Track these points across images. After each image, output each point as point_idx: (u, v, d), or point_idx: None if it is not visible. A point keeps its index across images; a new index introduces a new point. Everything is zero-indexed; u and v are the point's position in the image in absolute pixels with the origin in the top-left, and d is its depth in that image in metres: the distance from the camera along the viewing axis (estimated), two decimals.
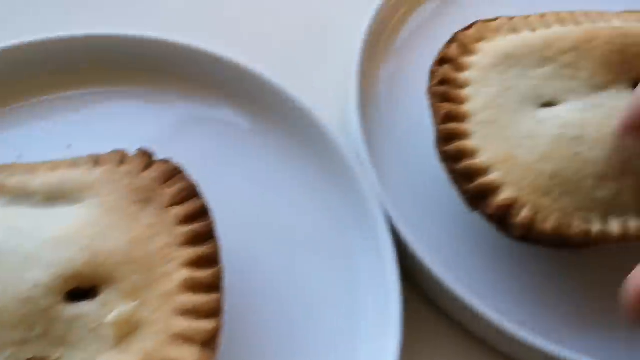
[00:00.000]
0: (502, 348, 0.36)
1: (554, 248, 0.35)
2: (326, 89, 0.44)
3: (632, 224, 0.36)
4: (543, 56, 0.39)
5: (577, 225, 0.35)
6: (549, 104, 0.38)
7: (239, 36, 0.47)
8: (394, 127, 0.43)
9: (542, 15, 0.42)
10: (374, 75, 0.45)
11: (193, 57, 0.40)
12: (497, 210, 0.35)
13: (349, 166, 0.39)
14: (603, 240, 0.35)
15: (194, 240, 0.32)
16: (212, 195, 0.34)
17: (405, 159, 0.42)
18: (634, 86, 0.39)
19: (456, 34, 0.41)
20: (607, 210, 0.36)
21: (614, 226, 0.35)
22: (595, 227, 0.35)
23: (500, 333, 0.35)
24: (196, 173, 0.35)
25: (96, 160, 0.34)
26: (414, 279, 0.38)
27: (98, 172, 0.33)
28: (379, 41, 0.46)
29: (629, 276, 0.23)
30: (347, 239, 0.38)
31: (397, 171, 0.41)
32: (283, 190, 0.40)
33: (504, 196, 0.35)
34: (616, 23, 0.42)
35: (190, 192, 0.33)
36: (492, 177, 0.36)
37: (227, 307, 0.31)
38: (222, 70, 0.41)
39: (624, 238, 0.35)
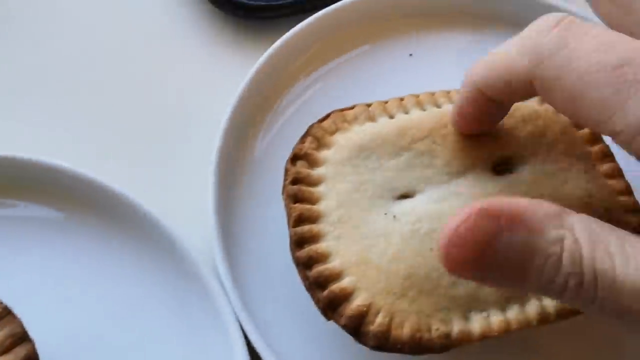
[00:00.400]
0: None
1: (413, 354, 0.35)
2: (191, 190, 0.44)
3: (494, 318, 0.35)
4: (397, 145, 0.38)
5: (436, 328, 0.35)
6: (405, 196, 0.37)
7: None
8: (262, 227, 0.42)
9: (401, 99, 0.41)
10: (236, 178, 0.44)
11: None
12: (349, 320, 0.34)
13: (206, 281, 0.38)
14: (464, 340, 0.35)
15: None
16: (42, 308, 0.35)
17: (267, 265, 0.41)
18: (493, 168, 0.38)
19: (310, 126, 0.40)
20: (468, 306, 0.35)
21: (475, 324, 0.35)
22: (456, 327, 0.35)
23: None
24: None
25: None
26: None
27: None
28: (249, 126, 0.46)
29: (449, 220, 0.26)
30: (199, 348, 0.38)
31: (259, 279, 0.41)
32: (131, 302, 0.39)
33: (356, 303, 0.35)
34: None
35: (17, 338, 0.32)
36: (344, 283, 0.35)
37: None
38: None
39: (486, 335, 0.35)
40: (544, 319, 0.35)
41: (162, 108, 0.48)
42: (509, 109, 0.36)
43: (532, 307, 0.35)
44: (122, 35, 0.50)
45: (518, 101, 0.36)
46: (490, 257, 0.26)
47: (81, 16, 0.51)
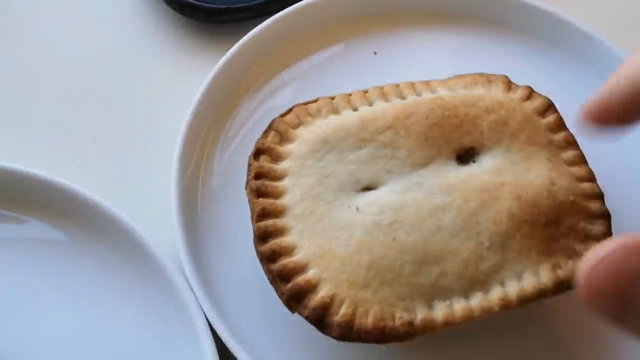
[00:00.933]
0: None
1: (378, 343, 0.35)
2: (152, 199, 0.45)
3: (457, 306, 0.36)
4: (360, 138, 0.39)
5: (399, 317, 0.36)
6: (368, 189, 0.38)
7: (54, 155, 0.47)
8: (230, 224, 0.44)
9: (365, 92, 0.42)
10: (210, 167, 0.46)
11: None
12: (313, 311, 0.35)
13: (176, 285, 0.39)
14: (428, 328, 0.36)
15: None
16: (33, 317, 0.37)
17: (238, 259, 0.42)
18: (457, 158, 0.39)
19: (273, 121, 0.41)
20: (431, 295, 0.36)
21: (439, 312, 0.36)
22: (419, 315, 0.36)
23: None
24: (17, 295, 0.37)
25: None
26: None
27: None
28: (214, 126, 0.47)
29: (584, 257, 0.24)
30: (172, 352, 0.39)
31: (226, 275, 0.42)
32: (109, 308, 0.40)
33: (320, 294, 0.36)
34: (442, 92, 0.42)
35: None
36: (308, 276, 0.36)
37: None
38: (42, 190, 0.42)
39: (450, 323, 0.36)
40: (506, 305, 0.36)
41: (126, 111, 0.49)
42: None
43: (495, 294, 0.36)
44: (82, 41, 0.52)
45: None
46: (633, 299, 0.23)
47: (43, 27, 0.52)
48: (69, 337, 0.39)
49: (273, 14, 0.49)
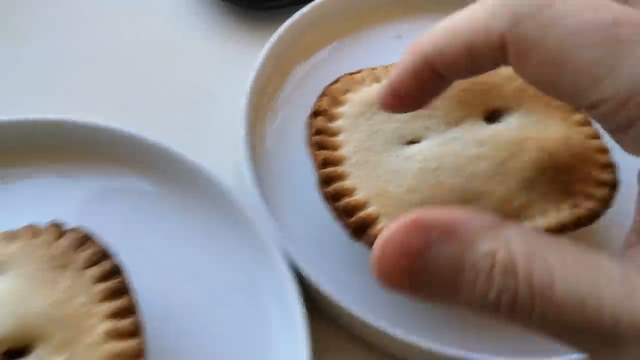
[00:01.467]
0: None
1: None
2: (220, 149, 0.52)
3: None
4: None
5: None
6: (412, 142, 0.47)
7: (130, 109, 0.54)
8: (285, 175, 0.51)
9: None
10: (263, 131, 0.53)
11: (98, 134, 0.48)
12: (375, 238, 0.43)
13: (248, 216, 0.46)
14: None
15: (111, 295, 0.38)
16: (130, 256, 0.42)
17: (298, 202, 0.50)
18: (484, 118, 0.48)
19: (326, 87, 0.49)
20: None
21: None
22: None
23: (404, 345, 0.43)
24: (112, 238, 0.42)
25: (11, 237, 0.40)
26: (322, 310, 0.46)
27: (14, 246, 0.40)
28: (263, 97, 0.54)
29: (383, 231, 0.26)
30: (253, 280, 0.46)
31: (294, 214, 0.49)
32: (193, 246, 0.47)
33: (380, 226, 0.44)
34: None
35: (102, 254, 0.40)
36: (369, 211, 0.44)
37: (149, 349, 0.38)
38: (127, 144, 0.48)
39: None
40: None
41: (179, 96, 0.56)
42: (447, 87, 0.35)
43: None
44: (135, 30, 0.59)
45: (471, 76, 0.34)
46: (419, 270, 0.25)
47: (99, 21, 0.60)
48: (160, 269, 0.46)
49: (310, 1, 0.57)
